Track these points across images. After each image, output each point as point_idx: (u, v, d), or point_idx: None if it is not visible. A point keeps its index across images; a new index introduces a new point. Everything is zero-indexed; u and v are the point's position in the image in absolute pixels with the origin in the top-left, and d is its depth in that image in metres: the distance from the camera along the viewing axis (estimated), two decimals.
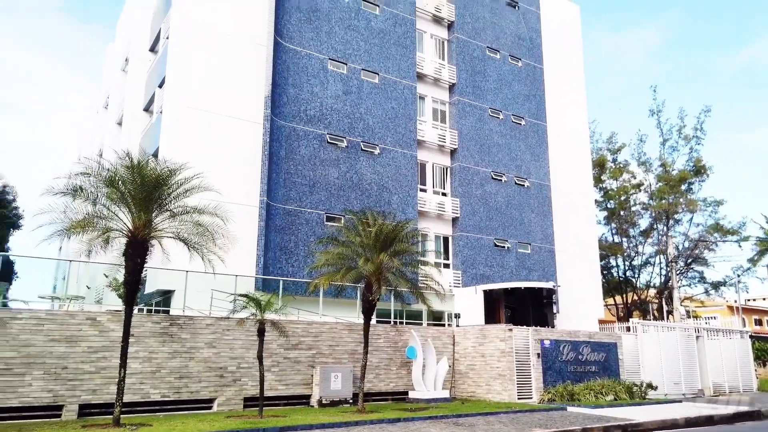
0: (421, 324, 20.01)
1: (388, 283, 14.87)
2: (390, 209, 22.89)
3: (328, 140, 22.91)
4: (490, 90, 28.43)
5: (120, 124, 29.71)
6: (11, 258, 27.31)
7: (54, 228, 11.04)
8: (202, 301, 15.84)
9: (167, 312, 17.06)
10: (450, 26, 28.29)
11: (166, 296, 19.21)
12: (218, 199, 12.85)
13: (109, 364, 12.69)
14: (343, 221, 22.22)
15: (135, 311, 12.09)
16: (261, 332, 13.00)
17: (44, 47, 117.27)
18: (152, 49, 27.06)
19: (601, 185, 43.60)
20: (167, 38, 23.20)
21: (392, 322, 18.97)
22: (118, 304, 19.46)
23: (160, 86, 23.56)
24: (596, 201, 40.66)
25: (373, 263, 14.32)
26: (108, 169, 11.72)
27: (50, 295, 22.56)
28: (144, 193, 11.58)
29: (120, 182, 11.59)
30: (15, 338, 11.94)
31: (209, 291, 15.69)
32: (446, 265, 25.42)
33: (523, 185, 28.46)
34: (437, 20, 28.03)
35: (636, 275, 44.20)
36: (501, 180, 27.70)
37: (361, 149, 23.70)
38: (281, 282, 17.88)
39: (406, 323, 19.43)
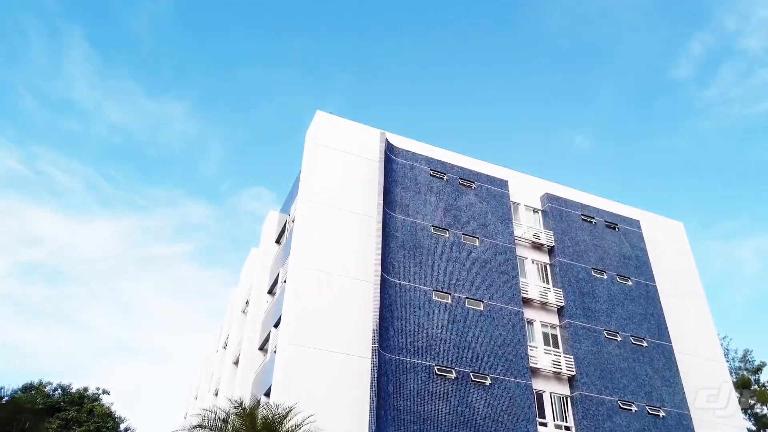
0: None
1: None
2: None
3: (437, 372, 22.26)
4: (602, 311, 27.30)
5: (236, 363, 30.99)
6: None
7: None
8: None
9: None
10: (551, 251, 28.68)
11: None
12: None
13: None
14: None
15: None
16: None
17: (172, 291, 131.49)
18: (270, 292, 29.32)
19: (751, 410, 37.80)
20: (284, 282, 25.19)
21: None
22: None
23: (276, 326, 24.88)
24: (749, 430, 34.88)
25: None
26: (224, 420, 11.86)
27: None
28: None
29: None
30: None
31: None
32: None
33: (658, 415, 25.26)
34: (536, 246, 28.62)
35: None
36: (630, 410, 24.86)
37: (471, 380, 22.66)
38: None
39: None
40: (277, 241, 31.35)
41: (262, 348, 27.42)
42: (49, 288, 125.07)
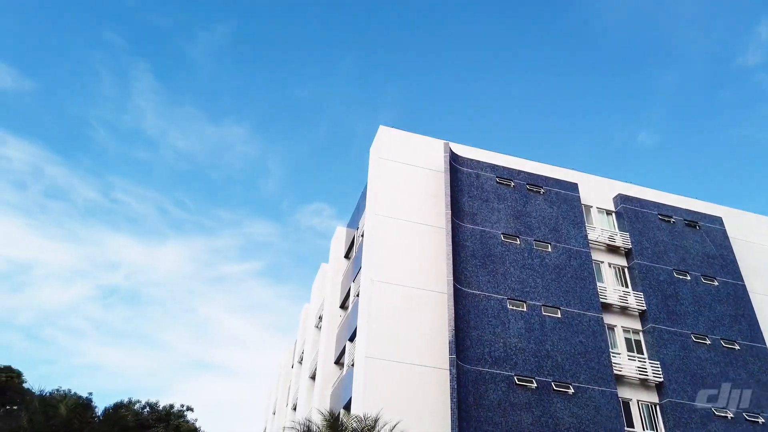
0: None
1: None
2: None
3: (517, 382, 21.85)
4: (688, 314, 26.04)
5: (313, 377, 31.52)
6: None
7: None
8: None
9: None
10: (628, 253, 27.68)
11: None
12: None
13: None
14: None
15: None
16: None
17: (243, 308, 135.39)
18: (342, 306, 29.72)
19: None
20: (356, 296, 25.50)
21: None
22: None
23: (350, 340, 25.18)
24: None
25: None
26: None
27: None
28: None
29: None
30: None
31: None
32: None
33: (758, 422, 23.74)
34: (612, 249, 27.70)
35: None
36: (726, 417, 23.49)
37: (553, 389, 22.09)
38: None
39: None
40: (346, 256, 31.80)
41: (338, 362, 27.78)
42: (128, 310, 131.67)
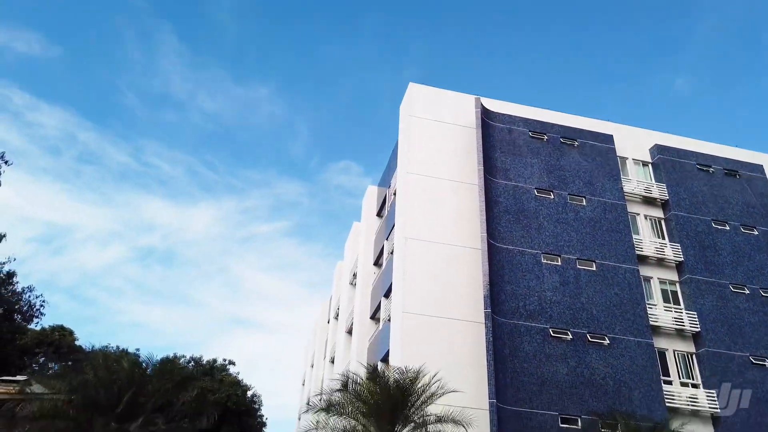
0: None
1: None
2: (632, 407, 20.48)
3: (552, 334, 22.13)
4: (727, 264, 25.74)
5: (349, 332, 32.39)
6: None
7: None
8: None
9: None
10: (664, 205, 27.28)
11: None
12: (450, 404, 12.75)
13: None
14: (580, 424, 20.30)
15: None
16: None
17: (274, 267, 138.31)
18: (376, 263, 30.20)
19: None
20: (391, 253, 25.87)
21: None
22: None
23: (386, 296, 25.71)
24: None
25: None
26: (357, 383, 12.63)
27: None
28: (390, 404, 12.07)
29: (369, 396, 12.32)
30: None
31: None
32: None
33: None
34: (649, 201, 27.32)
35: None
36: (764, 365, 23.46)
37: (588, 341, 22.33)
38: None
39: None
40: (378, 215, 32.10)
41: (374, 317, 28.45)
42: (164, 270, 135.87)
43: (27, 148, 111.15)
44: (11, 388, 12.92)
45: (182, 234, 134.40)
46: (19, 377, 13.84)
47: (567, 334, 22.27)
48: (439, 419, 12.36)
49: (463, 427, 12.04)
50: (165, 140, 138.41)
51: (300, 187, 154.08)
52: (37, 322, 32.41)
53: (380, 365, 23.29)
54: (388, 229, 27.73)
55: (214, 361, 41.59)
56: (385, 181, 30.94)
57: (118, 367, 10.33)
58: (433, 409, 12.55)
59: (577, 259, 24.14)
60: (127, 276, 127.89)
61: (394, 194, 27.14)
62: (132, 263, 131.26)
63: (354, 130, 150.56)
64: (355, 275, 33.61)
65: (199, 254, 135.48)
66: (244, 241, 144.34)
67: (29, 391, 11.11)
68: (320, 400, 12.99)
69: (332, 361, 36.37)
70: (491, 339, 21.04)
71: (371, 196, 33.84)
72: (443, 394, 12.36)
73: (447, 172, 25.19)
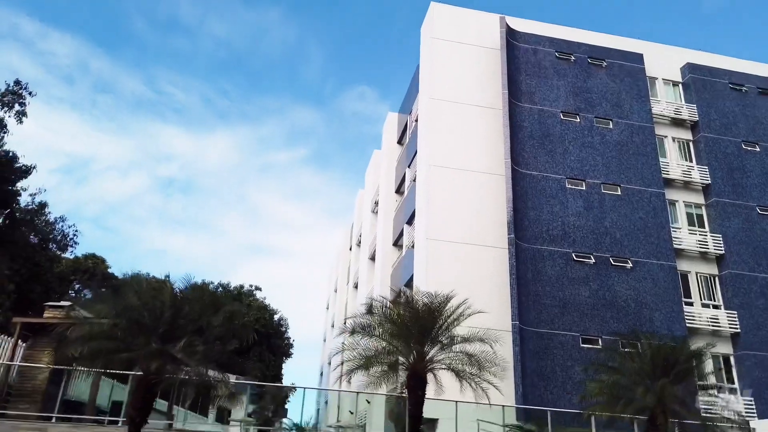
0: None
1: (675, 414, 13.22)
2: (653, 327, 20.87)
3: (575, 258, 22.34)
4: (755, 186, 25.33)
5: (372, 258, 33.01)
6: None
7: (349, 365, 12.52)
8: (468, 431, 15.79)
9: None
10: (693, 126, 26.58)
11: (428, 425, 19.58)
12: (475, 325, 13.07)
13: None
14: (600, 343, 20.85)
15: None
16: None
17: (292, 195, 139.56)
18: (398, 191, 30.29)
19: None
20: (413, 181, 25.86)
21: None
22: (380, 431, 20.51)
23: (408, 223, 25.94)
24: None
25: (654, 393, 12.95)
26: (386, 306, 13.00)
27: (336, 424, 24.41)
28: (419, 326, 12.46)
29: (398, 318, 12.70)
30: None
31: (473, 421, 15.65)
32: (730, 390, 21.75)
33: None
34: (677, 123, 26.62)
35: None
36: None
37: (611, 264, 22.53)
38: (548, 413, 17.01)
39: None
40: (399, 142, 31.85)
41: (396, 243, 28.85)
42: (184, 199, 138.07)
43: (42, 78, 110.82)
44: (58, 313, 13.59)
45: (200, 164, 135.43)
46: (63, 303, 14.51)
47: (590, 258, 22.46)
48: (466, 339, 12.74)
49: (490, 345, 12.41)
50: (177, 67, 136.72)
51: (315, 114, 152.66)
52: (72, 251, 33.53)
53: (403, 290, 23.87)
54: (409, 157, 27.59)
55: (241, 287, 42.98)
56: (406, 108, 30.46)
57: (160, 291, 10.75)
58: (459, 330, 12.93)
59: (602, 183, 23.92)
60: (148, 205, 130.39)
61: (416, 121, 26.78)
62: (153, 193, 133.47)
63: (369, 55, 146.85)
64: (376, 203, 33.81)
65: (218, 183, 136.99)
66: (261, 169, 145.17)
67: (76, 315, 11.65)
68: (348, 323, 13.43)
69: (356, 287, 37.32)
70: (514, 264, 21.33)
71: (391, 124, 33.45)
72: (471, 315, 12.67)
73: (470, 96, 24.65)
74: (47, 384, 13.41)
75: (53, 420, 12.60)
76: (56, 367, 13.35)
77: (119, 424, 13.00)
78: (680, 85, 27.61)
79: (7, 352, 14.83)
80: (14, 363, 14.12)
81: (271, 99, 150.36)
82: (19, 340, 14.64)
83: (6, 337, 15.85)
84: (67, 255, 33.50)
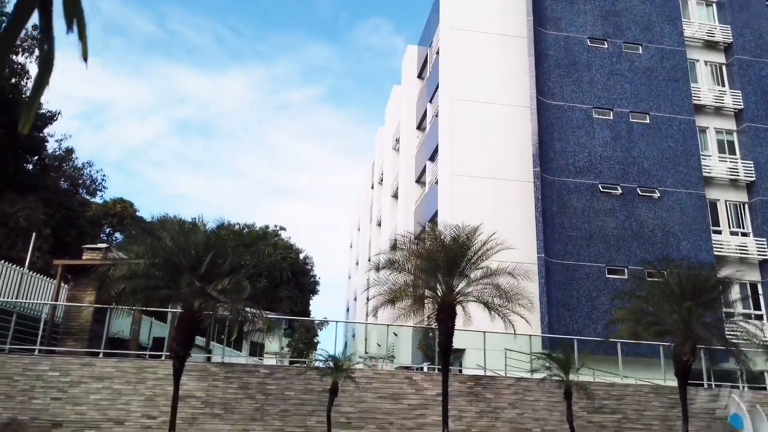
0: (737, 386, 17.34)
1: (700, 339, 13.41)
2: (680, 257, 20.80)
3: (601, 189, 22.12)
4: None
5: (395, 196, 33.07)
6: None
7: (377, 300, 12.83)
8: (495, 360, 16.24)
9: (460, 371, 17.88)
10: (727, 49, 25.46)
11: (455, 355, 20.18)
12: (502, 259, 13.17)
13: (426, 421, 13.71)
14: (626, 273, 20.94)
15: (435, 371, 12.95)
16: (568, 395, 12.77)
17: (310, 133, 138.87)
18: (419, 127, 29.91)
19: None
20: (435, 116, 25.47)
21: (704, 385, 16.83)
22: (407, 362, 21.20)
23: (431, 159, 25.75)
24: None
25: (681, 317, 13.09)
26: (413, 242, 13.14)
27: (366, 355, 25.33)
28: (447, 260, 12.62)
29: (425, 252, 12.86)
30: (351, 395, 13.72)
31: (500, 350, 16.05)
32: (757, 317, 21.85)
33: None
34: (710, 45, 25.50)
35: None
36: None
37: (638, 195, 22.28)
38: (575, 341, 17.35)
39: (715, 385, 17.03)
40: (420, 76, 31.15)
41: (419, 180, 28.78)
42: (203, 141, 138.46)
43: (53, 22, 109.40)
44: (96, 255, 14.04)
45: (216, 105, 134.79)
46: (100, 245, 14.98)
47: (616, 189, 22.21)
48: (494, 273, 12.88)
49: (516, 279, 12.57)
50: (188, 6, 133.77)
51: (329, 50, 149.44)
52: (101, 196, 34.21)
53: (428, 226, 24.03)
54: (431, 91, 27.04)
55: (266, 227, 43.64)
56: (426, 40, 29.57)
57: (193, 233, 11.00)
58: (486, 264, 13.06)
59: (630, 112, 23.31)
60: (168, 148, 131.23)
61: (437, 53, 26.06)
62: (171, 136, 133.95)
63: None
64: (398, 140, 33.49)
65: (235, 125, 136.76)
66: (277, 109, 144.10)
67: (113, 257, 12.02)
68: (374, 260, 13.64)
69: (379, 224, 37.62)
70: (540, 197, 21.22)
71: (411, 57, 32.60)
72: (499, 249, 12.74)
73: (493, 25, 23.82)
74: (91, 322, 14.05)
75: (100, 355, 13.27)
76: (100, 306, 13.94)
77: (162, 358, 13.65)
78: (714, 5, 26.26)
79: (51, 293, 15.48)
80: (60, 303, 14.76)
81: (283, 36, 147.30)
82: (62, 282, 15.25)
83: (49, 278, 16.51)
84: (96, 200, 34.19)
